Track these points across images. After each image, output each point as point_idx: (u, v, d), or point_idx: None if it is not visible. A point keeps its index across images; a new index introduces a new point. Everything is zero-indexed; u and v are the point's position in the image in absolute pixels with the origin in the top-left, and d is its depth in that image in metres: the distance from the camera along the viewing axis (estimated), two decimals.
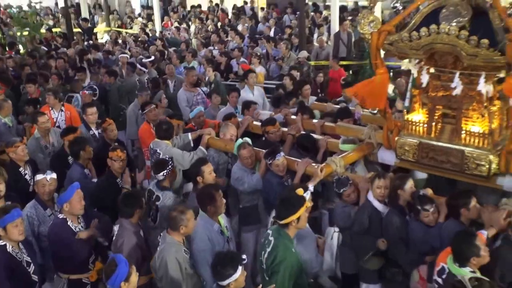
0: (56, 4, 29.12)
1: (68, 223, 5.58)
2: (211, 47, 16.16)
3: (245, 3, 26.00)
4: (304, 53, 13.82)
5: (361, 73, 13.79)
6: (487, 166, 5.47)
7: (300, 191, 4.86)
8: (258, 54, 13.67)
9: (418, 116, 6.04)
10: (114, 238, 5.60)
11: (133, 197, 5.83)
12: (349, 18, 18.31)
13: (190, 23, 22.98)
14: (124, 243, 5.43)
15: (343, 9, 21.07)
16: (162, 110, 9.02)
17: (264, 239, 5.08)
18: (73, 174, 6.75)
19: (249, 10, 24.75)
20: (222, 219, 5.66)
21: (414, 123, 5.99)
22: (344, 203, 5.89)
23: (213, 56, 14.28)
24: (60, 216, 5.62)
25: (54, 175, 6.12)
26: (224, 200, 5.56)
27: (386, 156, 6.47)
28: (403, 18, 5.85)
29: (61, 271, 5.71)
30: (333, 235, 6.15)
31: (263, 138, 7.41)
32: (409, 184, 5.48)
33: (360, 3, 23.00)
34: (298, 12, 17.09)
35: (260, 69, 12.68)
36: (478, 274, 4.38)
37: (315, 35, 17.85)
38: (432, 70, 5.75)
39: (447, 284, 4.49)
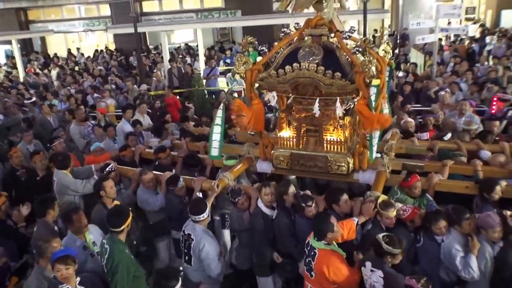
0: None
1: None
2: (68, 87, 16.97)
3: (82, 54, 28.62)
4: (144, 86, 15.62)
5: (191, 97, 15.97)
6: (346, 166, 6.28)
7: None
8: (109, 89, 15.09)
9: (287, 133, 6.65)
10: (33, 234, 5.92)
11: (46, 199, 6.22)
12: (180, 56, 21.84)
13: (50, 68, 24.28)
14: (37, 237, 5.66)
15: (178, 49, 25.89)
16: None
17: (101, 248, 5.21)
18: None
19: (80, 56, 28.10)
20: (90, 235, 5.59)
21: (285, 139, 6.60)
22: (238, 210, 6.23)
23: (70, 94, 14.85)
24: None
25: None
26: (85, 221, 5.61)
27: (264, 167, 7.01)
28: (268, 59, 6.34)
29: None
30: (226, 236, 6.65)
31: (156, 163, 7.60)
32: (291, 189, 5.98)
33: (190, 44, 27.12)
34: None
35: (111, 101, 13.83)
36: (334, 247, 4.99)
37: (155, 71, 19.42)
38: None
39: (310, 251, 5.06)
